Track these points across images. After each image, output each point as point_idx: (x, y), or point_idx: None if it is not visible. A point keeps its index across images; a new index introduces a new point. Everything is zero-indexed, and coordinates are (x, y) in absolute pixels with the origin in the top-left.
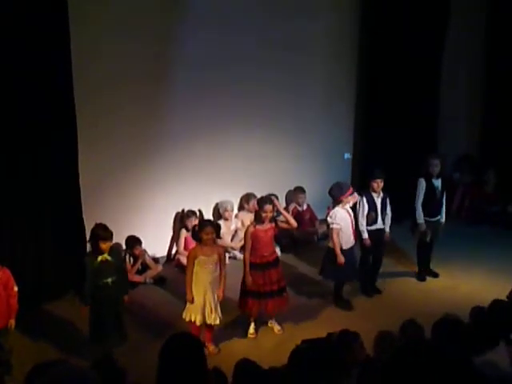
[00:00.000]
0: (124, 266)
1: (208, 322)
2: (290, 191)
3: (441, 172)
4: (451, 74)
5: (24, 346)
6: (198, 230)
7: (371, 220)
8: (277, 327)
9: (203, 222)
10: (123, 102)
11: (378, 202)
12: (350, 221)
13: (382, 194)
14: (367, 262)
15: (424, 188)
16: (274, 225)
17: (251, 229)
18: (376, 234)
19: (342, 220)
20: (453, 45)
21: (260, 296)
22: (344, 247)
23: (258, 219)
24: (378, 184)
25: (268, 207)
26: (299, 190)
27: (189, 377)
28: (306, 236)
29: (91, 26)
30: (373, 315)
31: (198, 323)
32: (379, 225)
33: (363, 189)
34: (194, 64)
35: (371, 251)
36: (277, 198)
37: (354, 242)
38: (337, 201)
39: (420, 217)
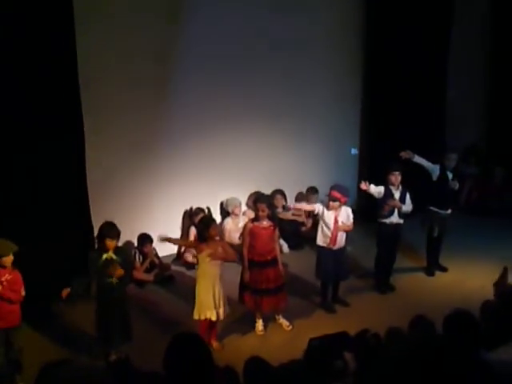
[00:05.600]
0: (129, 266)
1: (221, 318)
2: (300, 193)
3: (455, 168)
4: (458, 65)
5: (34, 345)
6: (205, 227)
7: (388, 211)
8: (286, 323)
9: (208, 219)
10: (131, 99)
11: (397, 195)
12: (333, 223)
13: (400, 188)
14: (383, 258)
15: (438, 170)
16: (273, 224)
17: (249, 225)
18: (392, 229)
19: (326, 217)
20: (459, 37)
21: (254, 292)
22: (323, 244)
23: (256, 216)
24: (396, 177)
25: (261, 206)
26: (312, 190)
27: (196, 376)
28: (314, 234)
29: (97, 24)
30: (382, 311)
31: (213, 318)
32: (395, 218)
33: (377, 183)
34: (200, 63)
35: (386, 247)
36: (283, 194)
37: (334, 245)
38: (328, 194)
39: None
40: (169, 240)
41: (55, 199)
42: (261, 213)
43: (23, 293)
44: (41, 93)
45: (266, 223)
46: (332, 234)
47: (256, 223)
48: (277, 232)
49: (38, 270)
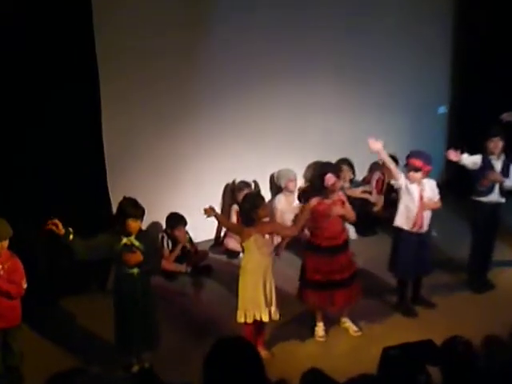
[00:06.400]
0: (156, 254)
1: (273, 318)
2: (375, 163)
3: None
4: None
5: (37, 350)
6: (251, 207)
7: (486, 187)
8: (353, 328)
9: (255, 197)
10: (156, 51)
11: (498, 166)
12: (418, 199)
13: (502, 158)
14: (479, 246)
15: None
16: (343, 197)
17: (313, 202)
18: (491, 209)
19: (410, 192)
20: None
21: (323, 287)
22: (404, 226)
23: (323, 192)
24: (496, 144)
25: (331, 177)
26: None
27: None
28: (390, 214)
29: None
30: (477, 315)
31: (265, 319)
32: (495, 197)
33: (471, 151)
34: (248, 3)
35: (484, 232)
36: (351, 164)
37: (418, 229)
38: (406, 164)
39: None
40: (215, 215)
41: (67, 175)
42: (337, 184)
43: (24, 285)
44: (49, 43)
45: (334, 198)
46: (417, 214)
47: (322, 201)
48: (347, 206)
49: (44, 257)
